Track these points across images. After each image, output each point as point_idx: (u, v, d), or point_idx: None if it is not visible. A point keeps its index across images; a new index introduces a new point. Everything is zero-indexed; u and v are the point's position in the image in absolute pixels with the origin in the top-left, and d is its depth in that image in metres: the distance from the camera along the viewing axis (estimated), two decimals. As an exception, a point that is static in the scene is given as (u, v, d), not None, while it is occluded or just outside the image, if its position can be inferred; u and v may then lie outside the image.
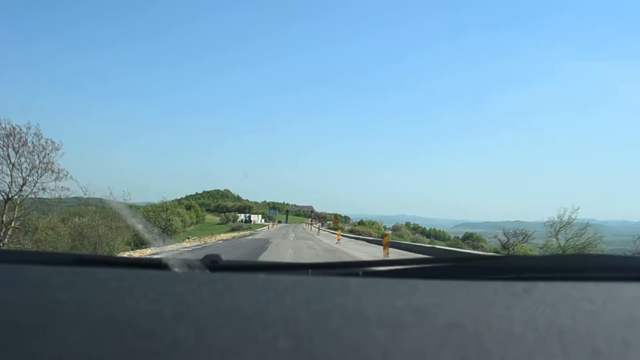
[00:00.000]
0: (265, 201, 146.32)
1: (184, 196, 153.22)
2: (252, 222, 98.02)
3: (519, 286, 0.71)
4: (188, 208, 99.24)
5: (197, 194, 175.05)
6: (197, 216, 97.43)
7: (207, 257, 0.92)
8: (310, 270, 0.87)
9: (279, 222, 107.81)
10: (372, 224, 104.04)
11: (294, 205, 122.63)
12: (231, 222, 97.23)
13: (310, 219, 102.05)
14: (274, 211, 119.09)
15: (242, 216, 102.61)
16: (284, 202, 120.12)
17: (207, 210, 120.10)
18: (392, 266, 0.87)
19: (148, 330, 0.55)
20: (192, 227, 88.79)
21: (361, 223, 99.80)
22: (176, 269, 0.86)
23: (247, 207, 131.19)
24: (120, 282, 0.76)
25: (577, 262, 0.86)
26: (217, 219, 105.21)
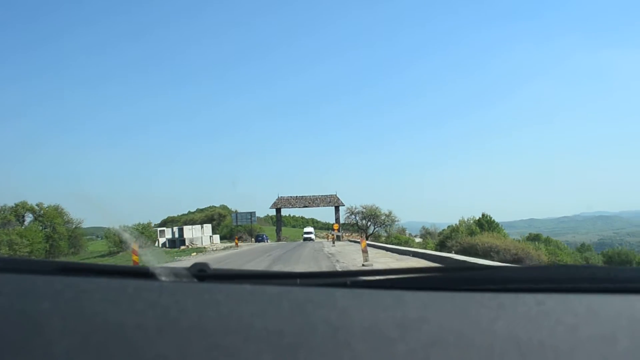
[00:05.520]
0: (268, 215, 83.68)
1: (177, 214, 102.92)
2: (192, 245, 38.47)
3: (504, 298, 0.70)
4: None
5: (189, 212, 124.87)
6: (54, 240, 40.07)
7: (194, 265, 0.91)
8: (298, 280, 0.86)
9: (260, 238, 48.59)
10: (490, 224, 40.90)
11: (297, 197, 56.16)
12: (142, 247, 37.74)
13: (335, 225, 41.39)
14: (248, 217, 54.14)
15: (168, 233, 42.44)
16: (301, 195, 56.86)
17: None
18: (380, 276, 0.86)
19: (131, 344, 0.54)
20: None
21: (487, 226, 37.55)
22: (163, 278, 0.85)
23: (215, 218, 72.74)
24: (105, 292, 0.75)
25: (563, 274, 0.85)
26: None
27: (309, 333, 0.57)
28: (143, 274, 0.86)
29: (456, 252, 28.87)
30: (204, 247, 34.49)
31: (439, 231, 60.57)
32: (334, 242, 28.11)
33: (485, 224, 37.25)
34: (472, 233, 34.72)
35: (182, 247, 37.07)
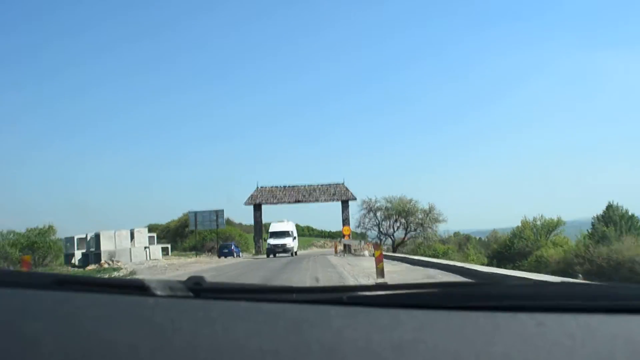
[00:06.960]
0: (235, 222, 67.05)
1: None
2: (110, 263, 23.06)
3: (500, 318, 0.70)
4: None
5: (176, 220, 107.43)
6: None
7: (190, 278, 0.90)
8: (294, 295, 0.86)
9: (227, 251, 33.46)
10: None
11: (286, 187, 37.91)
12: (42, 267, 23.24)
13: (345, 229, 26.52)
14: (213, 218, 37.27)
15: (85, 243, 27.72)
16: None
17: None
18: (377, 291, 0.87)
19: None
20: None
21: (622, 224, 21.70)
22: (158, 292, 0.85)
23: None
24: (98, 309, 0.74)
25: (560, 291, 0.84)
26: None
27: (303, 354, 0.57)
28: (138, 287, 0.86)
29: (585, 276, 14.30)
30: (122, 267, 19.94)
31: (447, 237, 47.04)
32: (382, 274, 9.36)
33: (618, 219, 22.02)
34: (602, 238, 19.56)
35: (92, 267, 22.37)
